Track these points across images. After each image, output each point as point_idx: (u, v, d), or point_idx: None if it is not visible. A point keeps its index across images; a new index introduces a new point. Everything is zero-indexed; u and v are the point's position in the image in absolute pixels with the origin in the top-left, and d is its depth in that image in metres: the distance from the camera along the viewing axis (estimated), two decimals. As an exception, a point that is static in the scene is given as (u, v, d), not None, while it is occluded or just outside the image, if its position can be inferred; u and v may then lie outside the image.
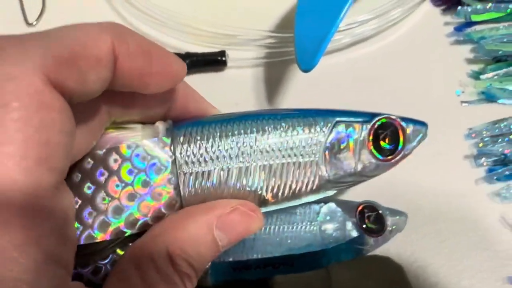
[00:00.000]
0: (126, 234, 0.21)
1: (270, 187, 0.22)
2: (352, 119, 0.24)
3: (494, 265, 0.30)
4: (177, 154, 0.22)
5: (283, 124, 0.23)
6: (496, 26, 0.36)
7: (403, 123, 0.24)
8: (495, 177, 0.32)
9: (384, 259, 0.26)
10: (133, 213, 0.21)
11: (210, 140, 0.22)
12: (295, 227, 0.26)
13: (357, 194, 0.31)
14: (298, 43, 0.30)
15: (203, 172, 0.22)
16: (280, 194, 0.23)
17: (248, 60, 0.37)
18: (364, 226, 0.26)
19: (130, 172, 0.21)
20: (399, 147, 0.24)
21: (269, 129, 0.22)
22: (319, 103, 0.35)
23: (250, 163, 0.22)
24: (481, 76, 0.35)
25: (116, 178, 0.21)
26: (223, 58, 0.36)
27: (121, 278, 0.19)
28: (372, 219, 0.27)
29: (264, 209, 0.23)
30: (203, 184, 0.22)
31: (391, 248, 0.28)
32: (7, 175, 0.15)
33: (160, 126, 0.23)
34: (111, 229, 0.21)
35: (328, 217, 0.26)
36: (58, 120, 0.16)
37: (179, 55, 0.35)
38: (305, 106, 0.36)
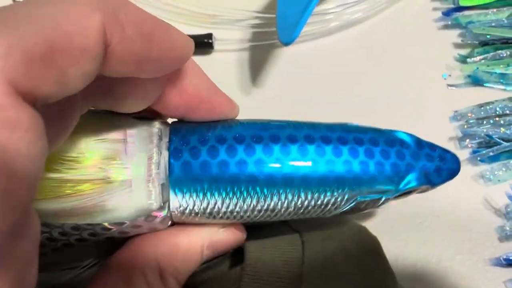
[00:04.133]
0: None
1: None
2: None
3: (475, 246, 0.29)
4: (172, 209, 0.20)
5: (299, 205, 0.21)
6: (485, 12, 0.36)
7: None
8: (478, 159, 0.31)
9: (359, 227, 0.25)
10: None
11: (211, 206, 0.20)
12: None
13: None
14: (279, 16, 0.30)
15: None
16: None
17: (235, 43, 0.37)
18: None
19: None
20: None
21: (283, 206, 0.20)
22: (305, 85, 0.35)
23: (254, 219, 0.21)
24: (468, 60, 0.34)
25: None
26: (210, 41, 0.36)
27: None
28: None
29: None
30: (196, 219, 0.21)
31: (368, 226, 0.27)
32: None
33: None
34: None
35: None
36: (25, 142, 0.12)
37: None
38: (291, 88, 0.35)
